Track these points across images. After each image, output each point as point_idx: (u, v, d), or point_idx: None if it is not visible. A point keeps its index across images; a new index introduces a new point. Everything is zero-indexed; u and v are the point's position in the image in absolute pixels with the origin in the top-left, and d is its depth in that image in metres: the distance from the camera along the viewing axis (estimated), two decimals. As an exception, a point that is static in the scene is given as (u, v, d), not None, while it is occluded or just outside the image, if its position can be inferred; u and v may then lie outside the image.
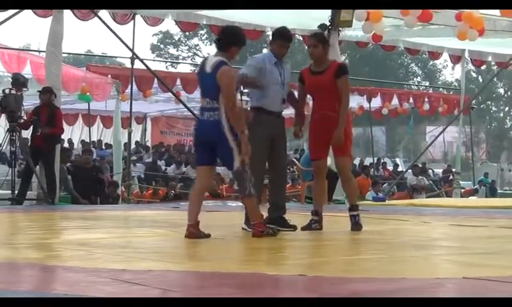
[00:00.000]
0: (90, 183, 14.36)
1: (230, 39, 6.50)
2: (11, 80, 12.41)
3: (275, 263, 5.05)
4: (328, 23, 14.42)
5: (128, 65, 17.04)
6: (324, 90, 7.10)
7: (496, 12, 14.08)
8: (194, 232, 6.24)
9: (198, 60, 49.33)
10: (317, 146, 7.24)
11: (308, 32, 15.62)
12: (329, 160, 7.76)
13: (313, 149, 7.32)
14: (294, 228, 7.05)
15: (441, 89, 37.73)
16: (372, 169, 24.22)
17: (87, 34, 74.35)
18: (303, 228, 7.12)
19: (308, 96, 7.42)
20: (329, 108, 7.07)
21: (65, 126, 14.51)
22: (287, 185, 11.62)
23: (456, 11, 13.40)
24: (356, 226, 7.11)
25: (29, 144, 12.55)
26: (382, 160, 29.02)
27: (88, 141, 23.14)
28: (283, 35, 7.24)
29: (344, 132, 7.08)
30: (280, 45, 7.17)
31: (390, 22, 14.47)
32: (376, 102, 24.60)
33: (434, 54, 18.77)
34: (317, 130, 7.17)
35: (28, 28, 68.66)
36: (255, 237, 6.30)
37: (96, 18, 13.39)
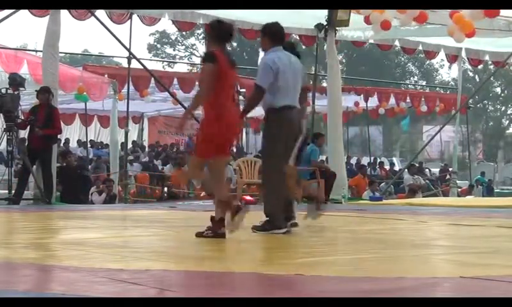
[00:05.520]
0: (77, 182, 14.42)
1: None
2: (8, 80, 12.40)
3: (273, 263, 5.04)
4: (325, 23, 14.47)
5: (125, 65, 17.03)
6: None
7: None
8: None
9: (195, 59, 49.25)
10: None
11: (305, 32, 15.68)
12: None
13: None
14: (285, 229, 6.77)
15: (438, 88, 37.81)
16: (369, 169, 24.24)
17: (84, 33, 74.25)
18: None
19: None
20: None
21: (62, 126, 14.47)
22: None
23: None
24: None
25: (26, 144, 12.54)
26: (379, 160, 29.02)
27: (85, 140, 23.16)
28: None
29: None
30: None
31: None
32: (373, 102, 24.63)
33: (431, 53, 18.77)
34: None
35: (25, 28, 68.61)
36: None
37: (93, 17, 13.39)
